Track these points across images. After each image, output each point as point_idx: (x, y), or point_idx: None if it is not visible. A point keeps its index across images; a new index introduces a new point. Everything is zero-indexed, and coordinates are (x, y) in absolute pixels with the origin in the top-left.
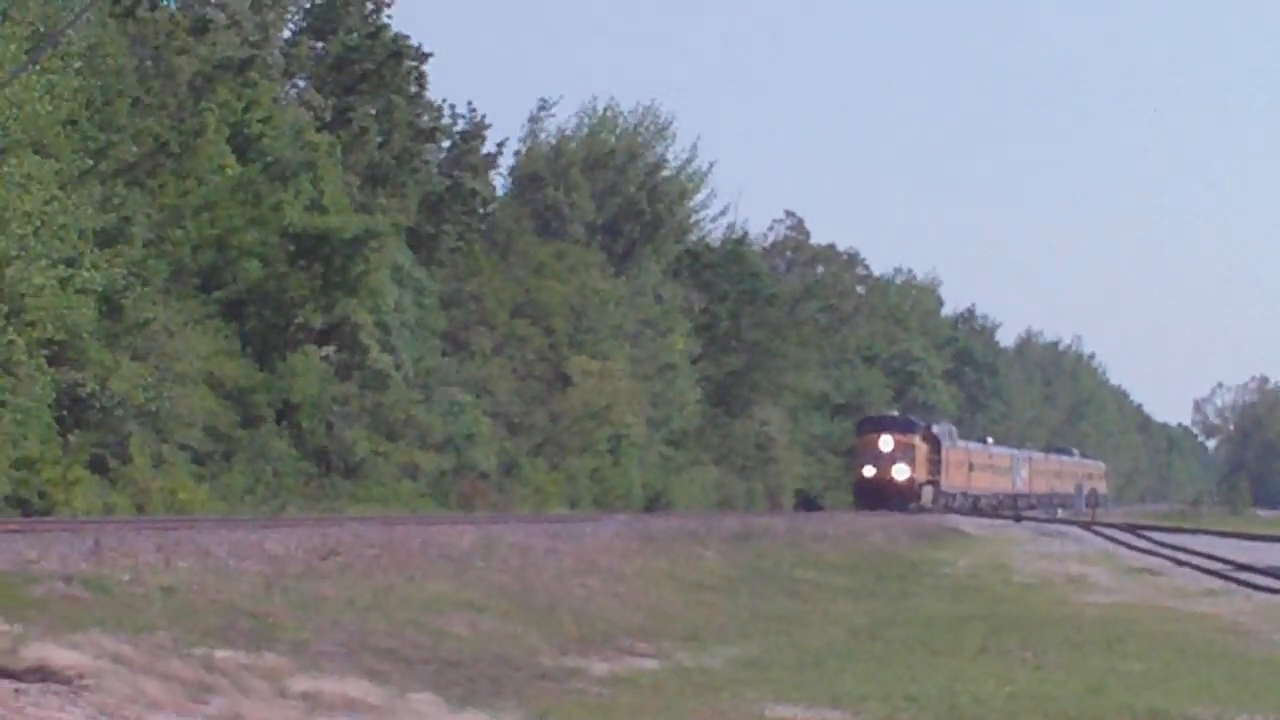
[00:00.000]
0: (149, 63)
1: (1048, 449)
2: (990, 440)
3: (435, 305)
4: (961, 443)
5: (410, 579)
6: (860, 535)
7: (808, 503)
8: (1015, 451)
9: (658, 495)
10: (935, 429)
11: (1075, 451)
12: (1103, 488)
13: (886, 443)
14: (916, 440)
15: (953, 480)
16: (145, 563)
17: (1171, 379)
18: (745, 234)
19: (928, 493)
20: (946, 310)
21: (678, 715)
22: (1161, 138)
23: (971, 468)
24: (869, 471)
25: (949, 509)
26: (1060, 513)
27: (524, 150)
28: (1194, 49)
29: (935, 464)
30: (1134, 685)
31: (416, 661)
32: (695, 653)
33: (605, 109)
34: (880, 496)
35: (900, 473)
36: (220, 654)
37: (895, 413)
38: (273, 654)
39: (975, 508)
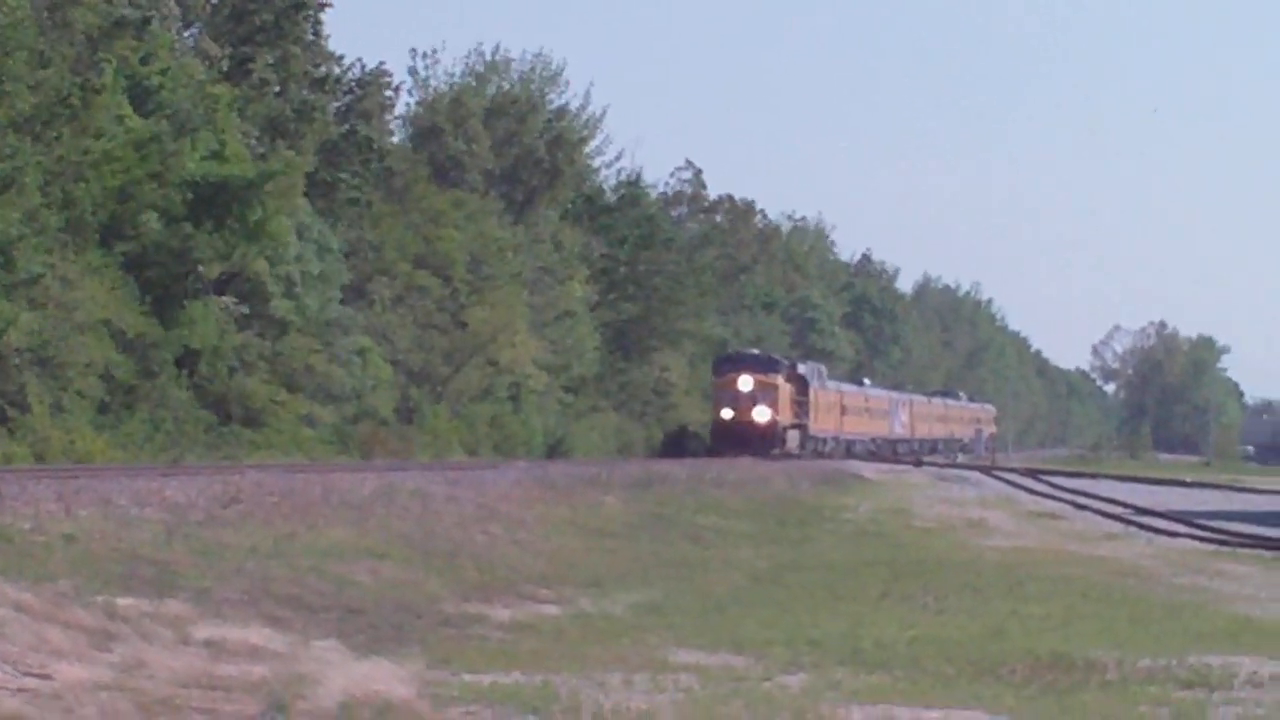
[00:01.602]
0: (46, 14)
1: (931, 392)
2: (867, 382)
3: (337, 257)
4: (833, 383)
5: (311, 527)
6: (761, 481)
7: (682, 444)
8: (894, 394)
9: (558, 442)
10: (801, 368)
11: (963, 395)
12: (989, 431)
13: (745, 382)
14: (780, 380)
15: (822, 424)
16: (46, 511)
17: (1069, 325)
18: (638, 174)
19: (793, 437)
20: (843, 257)
21: (581, 661)
22: (1053, 76)
23: (844, 410)
24: (727, 414)
25: (819, 454)
26: (960, 457)
27: (422, 99)
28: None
29: (801, 406)
30: (1035, 629)
31: (319, 609)
32: (597, 599)
33: (494, 56)
34: (739, 440)
35: (761, 415)
36: (123, 602)
37: (755, 350)
38: (175, 602)
39: (849, 453)
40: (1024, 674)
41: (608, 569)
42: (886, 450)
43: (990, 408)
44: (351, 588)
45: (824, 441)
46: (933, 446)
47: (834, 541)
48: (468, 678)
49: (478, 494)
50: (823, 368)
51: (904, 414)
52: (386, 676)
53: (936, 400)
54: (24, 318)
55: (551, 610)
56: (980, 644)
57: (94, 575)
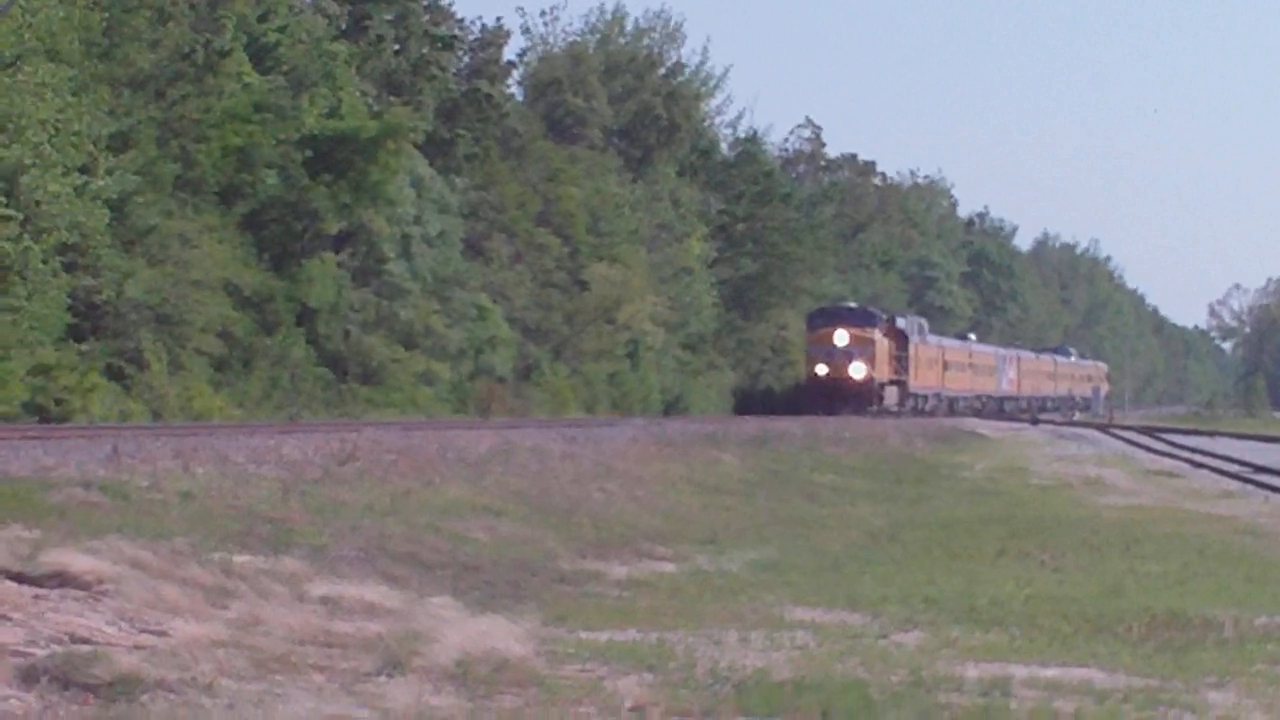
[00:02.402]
0: None
1: (1041, 349)
2: (973, 337)
3: (456, 216)
4: (934, 338)
5: (428, 484)
6: (877, 438)
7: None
8: (1001, 350)
9: (675, 399)
10: (900, 322)
11: (1073, 352)
12: (1104, 390)
13: (841, 337)
14: (877, 335)
15: (923, 380)
16: (163, 469)
17: (1187, 282)
18: (755, 132)
19: (892, 394)
20: (960, 214)
21: (697, 618)
22: (1176, 37)
23: (946, 366)
24: (822, 370)
25: (918, 412)
26: (1077, 415)
27: (539, 56)
28: None
29: (900, 361)
30: (1152, 587)
31: (435, 566)
32: (713, 556)
33: (614, 13)
34: (835, 397)
35: (858, 371)
36: (239, 559)
37: (853, 304)
38: (291, 559)
39: (952, 411)
40: (1140, 632)
41: (724, 526)
42: (993, 408)
43: (1102, 365)
44: (468, 545)
45: (924, 398)
46: (1041, 404)
47: (951, 499)
48: (584, 635)
49: (595, 451)
50: (924, 321)
51: (1011, 370)
52: (502, 633)
53: (1045, 357)
54: (142, 273)
55: (668, 567)
56: (1097, 602)
57: (211, 532)
